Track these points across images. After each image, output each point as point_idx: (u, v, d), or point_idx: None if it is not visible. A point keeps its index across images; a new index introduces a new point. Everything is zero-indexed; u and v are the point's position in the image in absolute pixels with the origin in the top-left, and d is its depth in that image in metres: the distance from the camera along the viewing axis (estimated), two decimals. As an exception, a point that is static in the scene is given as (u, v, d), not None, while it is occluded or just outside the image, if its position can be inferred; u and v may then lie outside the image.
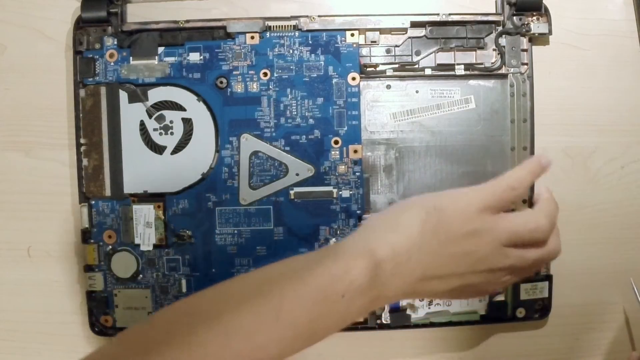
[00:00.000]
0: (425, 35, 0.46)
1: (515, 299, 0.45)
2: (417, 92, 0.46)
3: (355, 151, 0.45)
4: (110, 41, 0.45)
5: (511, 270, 0.36)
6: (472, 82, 0.46)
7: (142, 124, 0.45)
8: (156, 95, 0.45)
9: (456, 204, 0.35)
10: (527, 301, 0.45)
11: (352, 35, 0.45)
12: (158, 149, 0.45)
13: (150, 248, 0.45)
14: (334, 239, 0.45)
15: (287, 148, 0.45)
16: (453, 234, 0.35)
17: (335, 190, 0.45)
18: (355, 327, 0.45)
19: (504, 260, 0.35)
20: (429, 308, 0.45)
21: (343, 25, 0.45)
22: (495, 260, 0.35)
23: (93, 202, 0.45)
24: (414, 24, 0.45)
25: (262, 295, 0.33)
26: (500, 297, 0.45)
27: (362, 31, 0.45)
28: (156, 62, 0.45)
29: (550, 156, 0.38)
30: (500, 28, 0.46)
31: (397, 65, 0.46)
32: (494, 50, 0.46)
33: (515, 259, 0.36)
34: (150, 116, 0.45)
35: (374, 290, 0.33)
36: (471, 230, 0.35)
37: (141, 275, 0.45)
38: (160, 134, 0.45)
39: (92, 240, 0.45)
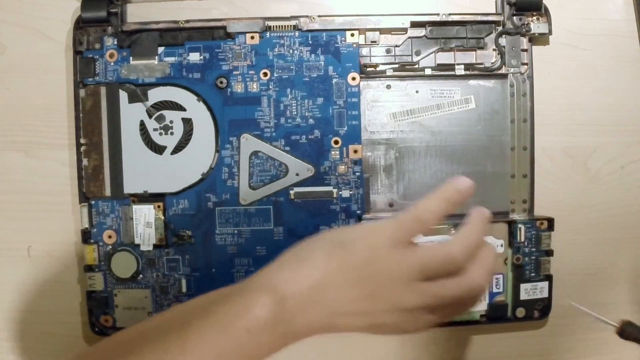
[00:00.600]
0: (425, 35, 0.46)
1: (515, 299, 0.45)
2: (417, 92, 0.46)
3: (355, 151, 0.45)
4: (110, 41, 0.45)
5: (430, 308, 0.34)
6: (472, 82, 0.46)
7: (142, 124, 0.45)
8: (156, 95, 0.45)
9: (363, 241, 0.35)
10: (527, 301, 0.45)
11: (352, 35, 0.45)
12: (158, 149, 0.45)
13: (150, 248, 0.45)
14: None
15: (287, 148, 0.45)
16: (358, 273, 0.34)
17: (335, 190, 0.45)
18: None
19: (416, 298, 0.34)
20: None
21: (343, 25, 0.45)
22: (405, 298, 0.34)
23: (93, 202, 0.45)
24: (414, 24, 0.45)
25: (169, 332, 0.33)
26: (501, 297, 0.45)
27: (362, 31, 0.45)
28: (156, 62, 0.45)
29: (469, 180, 0.35)
30: (500, 28, 0.46)
31: (397, 65, 0.46)
32: (494, 50, 0.46)
33: (429, 296, 0.34)
34: (150, 116, 0.45)
35: (280, 326, 0.33)
36: (377, 269, 0.34)
37: (141, 275, 0.45)
38: (160, 134, 0.45)
39: (92, 240, 0.45)
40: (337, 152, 0.45)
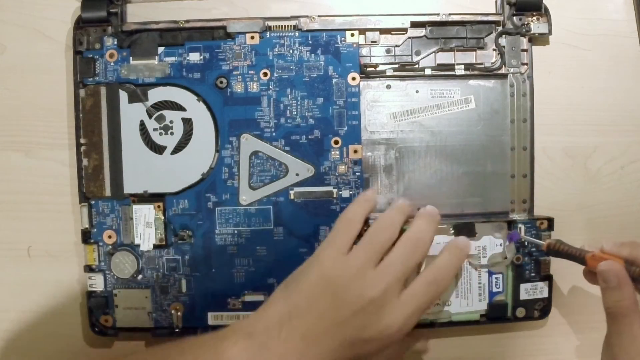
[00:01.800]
0: (425, 35, 0.46)
1: (515, 299, 0.45)
2: (417, 92, 0.46)
3: (355, 151, 0.45)
4: (110, 41, 0.45)
5: (399, 288, 0.36)
6: (472, 82, 0.46)
7: (142, 124, 0.45)
8: (156, 95, 0.45)
9: (310, 267, 0.38)
10: (527, 301, 0.45)
11: (352, 35, 0.45)
12: (158, 149, 0.45)
13: (150, 248, 0.45)
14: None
15: (287, 148, 0.45)
16: (316, 292, 0.36)
17: (335, 190, 0.45)
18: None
19: (375, 282, 0.36)
20: (429, 308, 0.44)
21: (343, 25, 0.45)
22: (367, 288, 0.36)
23: (93, 202, 0.45)
24: (414, 24, 0.45)
25: None
26: (501, 297, 0.45)
27: (362, 31, 0.45)
28: (156, 62, 0.45)
29: (373, 190, 0.42)
30: (500, 28, 0.46)
31: (397, 65, 0.46)
32: (494, 50, 0.46)
33: (385, 271, 0.37)
34: (150, 116, 0.45)
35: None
36: (331, 280, 0.37)
37: (141, 275, 0.45)
38: (160, 134, 0.45)
39: (92, 240, 0.45)
40: (337, 152, 0.45)
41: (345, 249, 0.38)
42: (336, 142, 0.45)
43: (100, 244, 0.45)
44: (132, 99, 0.45)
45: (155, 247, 0.45)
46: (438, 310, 0.44)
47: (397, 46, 0.46)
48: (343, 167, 0.45)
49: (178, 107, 0.45)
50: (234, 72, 0.45)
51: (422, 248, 0.38)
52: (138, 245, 0.45)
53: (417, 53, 0.46)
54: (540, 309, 0.46)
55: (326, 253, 0.38)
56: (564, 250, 0.42)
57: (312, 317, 0.36)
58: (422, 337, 0.44)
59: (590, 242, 0.42)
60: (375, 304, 0.36)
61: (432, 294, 0.38)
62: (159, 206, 0.45)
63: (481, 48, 0.46)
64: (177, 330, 0.45)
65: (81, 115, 0.45)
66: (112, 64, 0.45)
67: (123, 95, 0.45)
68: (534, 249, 0.45)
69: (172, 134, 0.45)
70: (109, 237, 0.45)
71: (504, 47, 0.46)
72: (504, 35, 0.46)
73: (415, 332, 0.40)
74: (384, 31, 0.46)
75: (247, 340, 0.36)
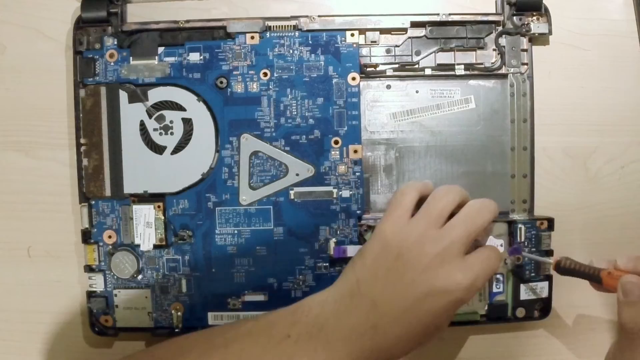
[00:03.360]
0: (425, 35, 0.46)
1: (515, 299, 0.45)
2: (417, 92, 0.46)
3: (355, 151, 0.45)
4: (110, 41, 0.45)
5: (460, 240, 0.37)
6: (472, 82, 0.46)
7: (142, 124, 0.45)
8: (156, 95, 0.45)
9: (372, 240, 0.39)
10: (527, 301, 0.45)
11: (352, 35, 0.45)
12: (158, 149, 0.45)
13: (150, 248, 0.45)
14: (333, 238, 0.45)
15: (287, 148, 0.45)
16: (379, 258, 0.38)
17: (335, 190, 0.45)
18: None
19: (437, 239, 0.37)
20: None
21: (343, 25, 0.45)
22: (429, 245, 0.37)
23: (93, 202, 0.45)
24: (414, 24, 0.45)
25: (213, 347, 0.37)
26: (501, 297, 0.45)
27: (362, 31, 0.45)
28: (156, 62, 0.45)
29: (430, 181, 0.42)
30: (500, 28, 0.46)
31: (397, 65, 0.46)
32: (494, 50, 0.46)
33: (446, 228, 0.37)
34: (150, 116, 0.45)
35: (323, 331, 0.36)
36: (393, 245, 0.37)
37: (141, 275, 0.45)
38: (160, 134, 0.45)
39: (92, 240, 0.45)
40: (337, 152, 0.45)
41: (403, 218, 0.38)
42: (336, 142, 0.45)
43: (100, 244, 0.45)
44: (132, 99, 0.45)
45: (155, 247, 0.45)
46: None
47: (397, 46, 0.46)
48: (343, 167, 0.45)
49: (178, 107, 0.45)
50: (234, 72, 0.45)
51: (486, 215, 0.38)
52: (138, 245, 0.45)
53: (417, 53, 0.46)
54: (540, 309, 0.46)
55: (385, 224, 0.38)
56: (575, 268, 0.41)
57: (381, 282, 0.36)
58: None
59: (596, 258, 0.42)
60: (439, 258, 0.36)
61: (493, 263, 0.38)
62: (159, 206, 0.45)
63: (481, 48, 0.46)
64: (177, 330, 0.45)
65: (81, 115, 0.45)
66: (112, 64, 0.45)
67: (123, 95, 0.45)
68: (534, 249, 0.45)
69: (172, 134, 0.45)
70: (109, 237, 0.45)
71: (504, 47, 0.46)
72: (504, 35, 0.46)
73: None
74: (384, 31, 0.46)
75: (322, 308, 0.37)
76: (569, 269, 0.41)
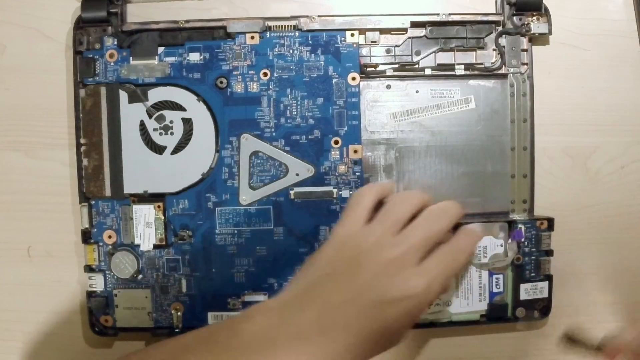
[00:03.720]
0: (425, 35, 0.46)
1: (515, 299, 0.45)
2: (417, 92, 0.46)
3: (355, 151, 0.45)
4: (110, 41, 0.45)
5: (420, 256, 0.36)
6: (472, 82, 0.46)
7: (142, 124, 0.45)
8: (156, 95, 0.45)
9: (328, 242, 0.37)
10: (527, 301, 0.45)
11: (352, 35, 0.45)
12: (158, 149, 0.45)
13: (150, 248, 0.45)
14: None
15: (287, 148, 0.45)
16: (333, 262, 0.36)
17: (335, 190, 0.45)
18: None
19: (394, 245, 0.36)
20: (429, 308, 0.44)
21: (343, 25, 0.45)
22: (384, 251, 0.35)
23: (93, 202, 0.45)
24: (414, 24, 0.45)
25: None
26: (501, 297, 0.45)
27: (362, 31, 0.45)
28: (156, 62, 0.45)
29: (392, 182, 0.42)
30: (500, 28, 0.46)
31: (397, 65, 0.46)
32: (494, 50, 0.46)
33: (407, 236, 0.36)
34: (150, 116, 0.45)
35: (273, 333, 0.34)
36: (348, 247, 0.36)
37: (141, 275, 0.45)
38: (160, 134, 0.45)
39: (92, 240, 0.45)
40: (337, 152, 0.45)
41: (360, 222, 0.37)
42: (336, 142, 0.45)
43: (100, 244, 0.45)
44: (132, 99, 0.45)
45: (155, 247, 0.45)
46: (438, 310, 0.44)
47: (397, 46, 0.46)
48: (343, 167, 0.45)
49: (178, 107, 0.45)
50: (234, 72, 0.45)
51: (445, 221, 0.38)
52: (138, 245, 0.45)
53: (417, 53, 0.46)
54: (540, 309, 0.46)
55: (341, 227, 0.37)
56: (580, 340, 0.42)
57: (331, 286, 0.35)
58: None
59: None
60: (395, 264, 0.35)
61: (451, 265, 0.37)
62: (159, 206, 0.45)
63: (481, 48, 0.46)
64: (177, 330, 0.45)
65: (81, 115, 0.45)
66: (112, 64, 0.45)
67: (123, 95, 0.45)
68: (534, 249, 0.45)
69: (172, 134, 0.45)
70: (109, 237, 0.45)
71: (504, 47, 0.46)
72: (504, 35, 0.46)
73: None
74: (384, 31, 0.46)
75: (266, 316, 0.34)
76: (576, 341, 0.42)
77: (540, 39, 0.47)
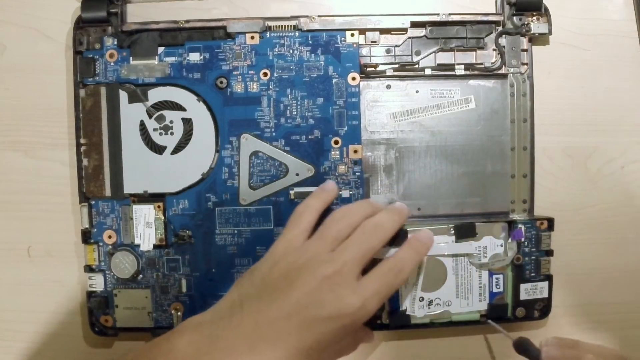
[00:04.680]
0: (425, 35, 0.46)
1: (515, 299, 0.45)
2: (417, 92, 0.46)
3: (355, 151, 0.45)
4: (110, 41, 0.45)
5: (352, 262, 0.36)
6: (472, 82, 0.46)
7: (142, 124, 0.45)
8: (156, 95, 0.45)
9: (264, 260, 0.38)
10: (527, 301, 0.45)
11: (352, 35, 0.45)
12: (158, 149, 0.45)
13: (150, 248, 0.45)
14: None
15: (287, 148, 0.45)
16: (266, 279, 0.36)
17: (335, 190, 0.45)
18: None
19: (332, 258, 0.35)
20: (429, 308, 0.45)
21: (343, 25, 0.45)
22: (316, 266, 0.35)
23: (93, 202, 0.45)
24: (414, 24, 0.45)
25: None
26: (501, 297, 0.45)
27: (362, 31, 0.45)
28: (156, 62, 0.45)
29: (333, 182, 0.42)
30: (500, 28, 0.46)
31: (397, 65, 0.46)
32: (494, 50, 0.46)
33: (339, 251, 0.36)
34: (150, 116, 0.45)
35: (204, 348, 0.34)
36: (281, 266, 0.36)
37: (141, 275, 0.45)
38: (160, 134, 0.45)
39: (92, 240, 0.45)
40: (337, 152, 0.45)
41: (298, 240, 0.37)
42: (336, 142, 0.45)
43: (100, 244, 0.45)
44: (132, 99, 0.45)
45: (155, 247, 0.45)
46: (438, 310, 0.44)
47: (397, 46, 0.46)
48: (343, 167, 0.45)
49: (178, 107, 0.45)
50: (234, 72, 0.45)
51: (380, 235, 0.37)
52: (138, 245, 0.45)
53: (417, 53, 0.46)
54: (540, 309, 0.46)
55: (279, 244, 0.37)
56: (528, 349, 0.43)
57: (265, 301, 0.35)
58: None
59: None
60: (330, 281, 0.34)
61: (390, 281, 0.36)
62: (159, 206, 0.45)
63: (481, 48, 0.46)
64: (177, 330, 0.45)
65: (81, 115, 0.45)
66: (112, 64, 0.45)
67: (123, 95, 0.45)
68: (534, 249, 0.45)
69: (172, 134, 0.45)
70: (109, 237, 0.45)
71: (504, 47, 0.46)
72: (504, 35, 0.46)
73: (366, 328, 0.40)
74: (384, 31, 0.46)
75: (196, 331, 0.34)
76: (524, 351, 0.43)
77: (540, 39, 0.47)
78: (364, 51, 0.45)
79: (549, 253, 0.45)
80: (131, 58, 0.45)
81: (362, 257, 0.36)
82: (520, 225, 0.44)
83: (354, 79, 0.45)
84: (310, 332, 0.34)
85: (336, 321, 0.34)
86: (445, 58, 0.46)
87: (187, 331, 0.34)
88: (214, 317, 0.35)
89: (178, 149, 0.45)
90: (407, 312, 0.44)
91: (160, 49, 0.45)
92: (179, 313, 0.45)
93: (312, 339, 0.34)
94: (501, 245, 0.44)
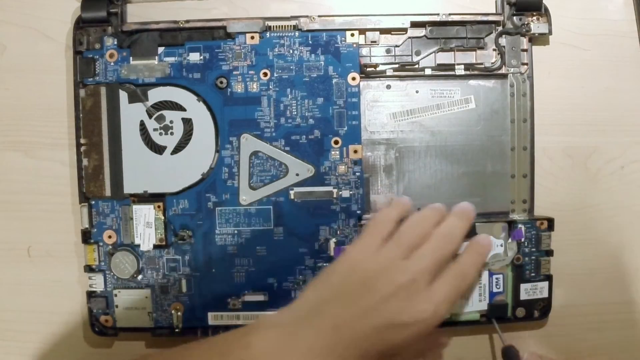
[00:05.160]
0: (425, 35, 0.46)
1: (515, 299, 0.45)
2: (417, 92, 0.46)
3: (355, 151, 0.45)
4: (110, 41, 0.45)
5: (429, 278, 0.37)
6: (472, 82, 0.46)
7: (142, 124, 0.45)
8: (156, 95, 0.45)
9: (340, 259, 0.38)
10: (527, 301, 0.45)
11: (352, 35, 0.45)
12: (158, 149, 0.45)
13: (150, 248, 0.45)
14: (333, 239, 0.45)
15: (287, 148, 0.45)
16: (344, 282, 0.37)
17: (335, 190, 0.45)
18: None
19: (404, 269, 0.36)
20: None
21: (343, 25, 0.45)
22: (394, 275, 0.36)
23: (93, 202, 0.45)
24: (414, 24, 0.45)
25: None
26: (501, 297, 0.45)
27: (362, 31, 0.45)
28: (156, 62, 0.45)
29: (407, 198, 0.41)
30: (500, 28, 0.46)
31: (397, 65, 0.46)
32: (494, 50, 0.46)
33: (417, 260, 0.37)
34: (150, 116, 0.45)
35: (282, 348, 0.35)
36: (360, 269, 0.37)
37: (141, 275, 0.45)
38: (160, 134, 0.45)
39: (92, 240, 0.45)
40: (337, 152, 0.45)
41: (374, 246, 0.38)
42: (336, 142, 0.45)
43: (100, 244, 0.45)
44: (132, 99, 0.45)
45: (155, 247, 0.45)
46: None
47: (397, 46, 0.46)
48: (343, 167, 0.45)
49: (178, 107, 0.45)
50: (234, 72, 0.45)
51: (453, 243, 0.39)
52: (138, 245, 0.45)
53: (417, 53, 0.46)
54: (540, 309, 0.46)
55: (355, 249, 0.38)
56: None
57: (342, 305, 0.36)
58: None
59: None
60: (405, 289, 0.36)
61: (459, 286, 0.38)
62: (159, 206, 0.45)
63: (481, 48, 0.46)
64: (177, 330, 0.45)
65: (81, 115, 0.45)
66: (112, 64, 0.45)
67: (123, 95, 0.45)
68: (534, 249, 0.45)
69: (172, 134, 0.45)
70: (109, 237, 0.45)
71: (504, 47, 0.46)
72: (504, 35, 0.46)
73: (440, 331, 0.40)
74: (384, 31, 0.46)
75: (274, 331, 0.35)
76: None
77: (540, 39, 0.47)
78: (364, 51, 0.45)
79: (549, 253, 0.45)
80: (131, 58, 0.45)
81: (434, 265, 0.37)
82: (520, 225, 0.44)
83: (354, 79, 0.45)
84: (385, 338, 0.36)
85: (410, 327, 0.36)
86: (445, 58, 0.46)
87: (264, 330, 0.36)
88: (291, 317, 0.36)
89: (178, 149, 0.45)
90: None
91: (160, 49, 0.45)
92: (179, 313, 0.45)
93: (387, 344, 0.36)
94: (501, 245, 0.44)
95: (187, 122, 0.45)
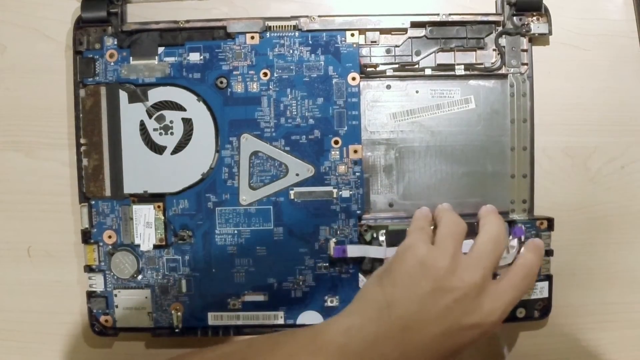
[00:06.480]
0: (425, 35, 0.46)
1: (515, 299, 0.45)
2: (417, 92, 0.46)
3: (355, 151, 0.45)
4: (110, 41, 0.45)
5: (491, 268, 0.37)
6: (472, 82, 0.46)
7: (142, 124, 0.45)
8: (156, 95, 0.45)
9: (402, 259, 0.38)
10: (527, 301, 0.45)
11: (352, 35, 0.45)
12: (158, 149, 0.45)
13: (150, 248, 0.45)
14: (333, 239, 0.45)
15: (287, 148, 0.45)
16: (411, 282, 0.36)
17: (335, 191, 0.45)
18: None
19: (474, 264, 0.37)
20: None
21: (343, 25, 0.45)
22: (464, 271, 0.36)
23: (93, 202, 0.45)
24: (414, 24, 0.45)
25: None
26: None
27: (362, 31, 0.45)
28: (156, 62, 0.45)
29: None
30: (500, 28, 0.46)
31: (397, 65, 0.46)
32: (494, 50, 0.46)
33: (476, 256, 0.37)
34: (150, 116, 0.45)
35: (352, 345, 0.35)
36: (425, 271, 0.36)
37: (141, 275, 0.45)
38: (160, 134, 0.45)
39: (92, 240, 0.45)
40: (337, 152, 0.45)
41: (426, 244, 0.38)
42: (336, 142, 0.45)
43: (100, 244, 0.45)
44: (132, 99, 0.45)
45: (155, 247, 0.45)
46: None
47: (397, 46, 0.46)
48: (343, 167, 0.45)
49: (178, 107, 0.45)
50: (234, 72, 0.45)
51: (502, 244, 0.39)
52: (138, 245, 0.45)
53: (417, 53, 0.46)
54: (540, 309, 0.46)
55: (418, 242, 0.38)
56: None
57: (414, 306, 0.35)
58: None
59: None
60: (476, 288, 0.36)
61: (526, 285, 0.38)
62: (159, 206, 0.45)
63: (481, 48, 0.46)
64: (177, 330, 0.45)
65: (81, 115, 0.45)
66: (112, 64, 0.45)
67: (123, 95, 0.45)
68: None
69: (172, 134, 0.45)
70: (109, 237, 0.45)
71: (504, 47, 0.46)
72: (504, 36, 0.46)
73: None
74: (384, 31, 0.46)
75: (344, 334, 0.35)
76: None
77: (540, 39, 0.47)
78: (364, 51, 0.45)
79: (549, 253, 0.45)
80: (131, 58, 0.45)
81: (494, 263, 0.38)
82: (520, 225, 0.44)
83: (354, 79, 0.45)
84: (454, 338, 0.36)
85: (478, 328, 0.36)
86: (445, 58, 0.46)
87: (338, 335, 0.35)
88: (362, 321, 0.36)
89: (178, 149, 0.45)
90: None
91: (160, 49, 0.45)
92: (179, 313, 0.45)
93: (456, 345, 0.36)
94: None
95: (187, 122, 0.45)
